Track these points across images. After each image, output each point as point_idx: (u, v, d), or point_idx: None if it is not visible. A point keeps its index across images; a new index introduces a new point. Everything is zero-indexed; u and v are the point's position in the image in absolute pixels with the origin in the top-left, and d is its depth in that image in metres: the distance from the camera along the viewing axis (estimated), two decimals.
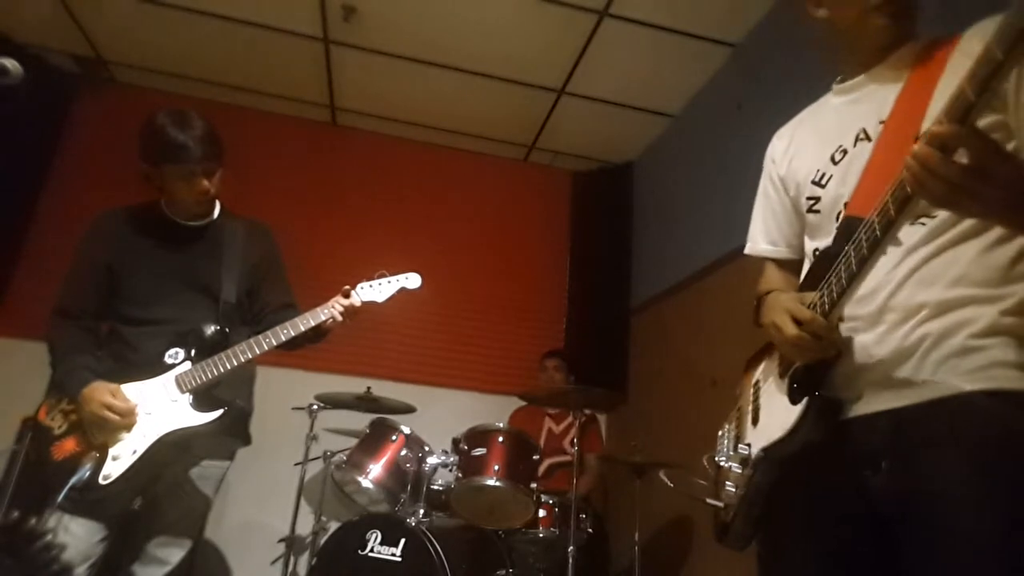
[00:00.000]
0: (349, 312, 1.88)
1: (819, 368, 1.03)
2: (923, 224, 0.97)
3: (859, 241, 0.92)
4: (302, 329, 1.83)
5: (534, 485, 2.62)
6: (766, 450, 1.08)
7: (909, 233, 0.98)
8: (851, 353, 1.00)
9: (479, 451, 2.63)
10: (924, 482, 0.89)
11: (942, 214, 0.95)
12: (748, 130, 3.07)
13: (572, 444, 3.34)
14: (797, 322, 1.01)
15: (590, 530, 2.81)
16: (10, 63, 1.27)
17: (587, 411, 3.26)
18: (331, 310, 1.86)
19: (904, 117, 1.01)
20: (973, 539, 0.83)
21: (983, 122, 0.89)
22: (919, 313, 0.94)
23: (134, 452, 1.70)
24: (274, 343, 1.81)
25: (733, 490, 1.15)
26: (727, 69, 3.38)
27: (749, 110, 3.09)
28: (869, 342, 0.99)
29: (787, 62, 2.68)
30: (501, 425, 2.77)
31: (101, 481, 1.66)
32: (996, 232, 0.92)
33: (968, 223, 0.94)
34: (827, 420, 1.01)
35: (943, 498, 0.86)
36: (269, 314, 2.00)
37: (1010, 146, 0.90)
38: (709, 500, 1.23)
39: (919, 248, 0.97)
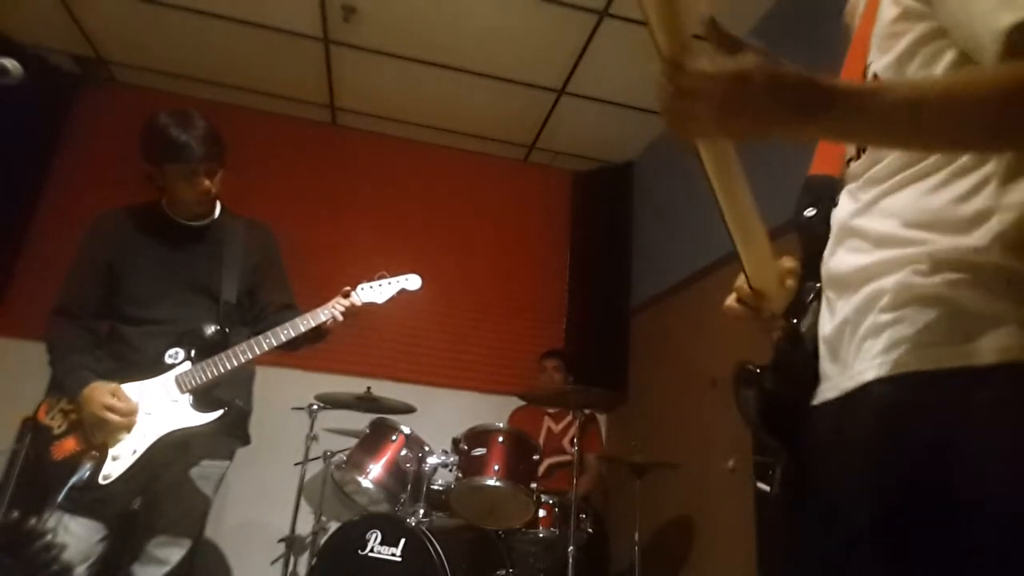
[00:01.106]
0: (349, 313, 1.88)
1: (793, 344, 0.90)
2: (866, 176, 0.82)
3: None
4: (302, 330, 1.83)
5: (534, 485, 2.62)
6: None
7: (853, 189, 0.84)
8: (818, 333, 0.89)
9: (479, 451, 2.63)
10: (838, 484, 0.77)
11: (874, 161, 0.81)
12: None
13: (572, 443, 3.35)
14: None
15: (590, 530, 2.81)
16: (10, 63, 1.27)
17: (586, 410, 3.26)
18: (331, 311, 1.87)
19: (852, 62, 0.89)
20: (869, 558, 0.71)
21: (916, 33, 0.76)
22: (847, 286, 0.80)
23: (134, 452, 1.70)
24: (274, 343, 1.82)
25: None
26: None
27: None
28: (824, 321, 0.86)
29: (787, 62, 2.68)
30: (501, 425, 2.77)
31: (101, 481, 1.66)
32: (942, 174, 0.74)
33: (903, 163, 0.77)
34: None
35: (847, 507, 0.75)
36: (270, 315, 2.00)
37: (951, 53, 0.75)
38: (759, 484, 1.17)
39: (859, 201, 0.82)
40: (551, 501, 2.76)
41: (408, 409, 3.02)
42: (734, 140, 0.75)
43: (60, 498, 1.62)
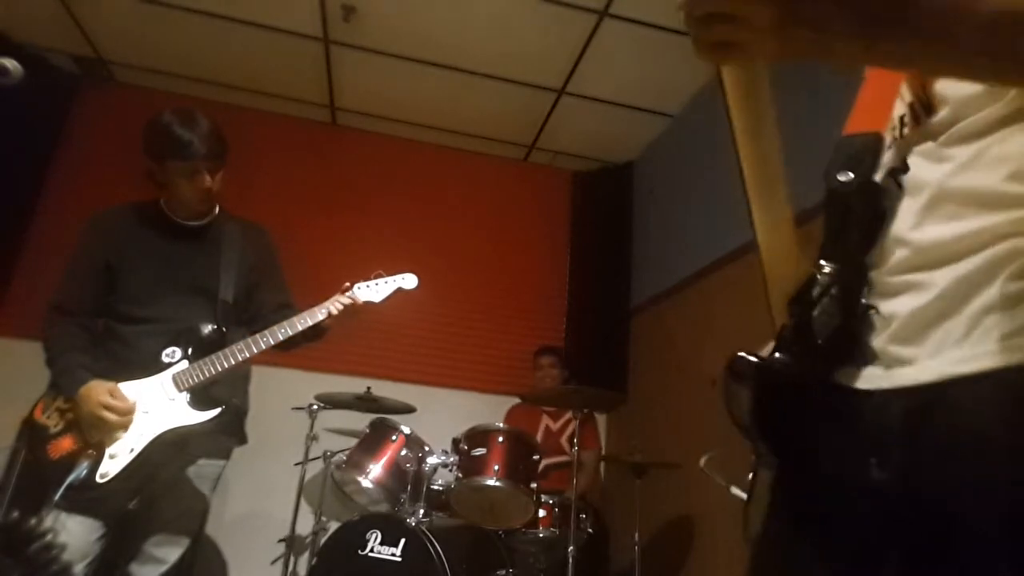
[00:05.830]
0: (349, 311, 1.89)
1: (800, 333, 0.77)
2: (952, 131, 0.70)
3: None
4: (299, 328, 1.84)
5: (534, 485, 2.62)
6: None
7: (934, 148, 0.71)
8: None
9: (479, 451, 2.62)
10: (939, 490, 0.63)
11: (960, 114, 0.68)
12: None
13: (570, 442, 3.34)
14: None
15: (590, 530, 2.81)
16: (10, 63, 1.27)
17: (584, 409, 3.26)
18: (332, 306, 1.87)
19: None
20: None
21: None
22: (948, 257, 0.66)
23: (131, 451, 1.70)
24: (271, 342, 1.82)
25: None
26: None
27: None
28: (902, 302, 0.72)
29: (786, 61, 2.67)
30: (501, 425, 2.77)
31: (98, 479, 1.66)
32: None
33: (1013, 109, 0.63)
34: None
35: (958, 519, 0.60)
36: (267, 313, 2.00)
37: None
38: (734, 489, 1.04)
39: (952, 160, 0.69)
40: (551, 501, 2.76)
41: (408, 409, 3.01)
42: (781, 57, 0.60)
43: (57, 497, 1.62)
